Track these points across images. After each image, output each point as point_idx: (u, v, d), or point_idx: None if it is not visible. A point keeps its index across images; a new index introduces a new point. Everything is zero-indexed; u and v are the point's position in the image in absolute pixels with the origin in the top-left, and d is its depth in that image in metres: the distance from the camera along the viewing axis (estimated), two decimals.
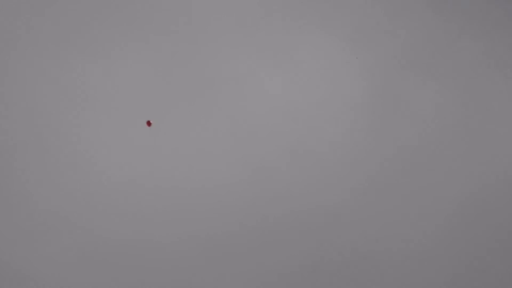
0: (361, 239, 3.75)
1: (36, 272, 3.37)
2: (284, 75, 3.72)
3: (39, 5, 3.47)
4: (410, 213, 3.83)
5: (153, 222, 3.49)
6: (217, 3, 3.66)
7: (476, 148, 3.93)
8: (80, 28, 3.49)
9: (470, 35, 3.98)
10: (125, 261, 3.46)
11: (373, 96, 3.82)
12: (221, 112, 3.61)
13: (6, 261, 3.35)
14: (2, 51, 3.40)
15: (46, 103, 3.45)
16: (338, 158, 3.76)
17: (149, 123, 3.47)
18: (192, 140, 3.57)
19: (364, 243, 3.76)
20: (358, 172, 3.77)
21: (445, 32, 3.95)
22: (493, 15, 4.03)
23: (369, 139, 3.81)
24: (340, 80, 3.79)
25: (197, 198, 3.56)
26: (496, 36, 4.01)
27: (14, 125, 3.40)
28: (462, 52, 3.96)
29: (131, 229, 3.47)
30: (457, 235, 3.88)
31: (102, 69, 3.50)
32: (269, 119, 3.68)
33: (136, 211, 3.48)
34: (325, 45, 3.78)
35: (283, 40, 3.73)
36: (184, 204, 3.55)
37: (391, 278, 3.78)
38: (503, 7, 4.04)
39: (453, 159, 3.90)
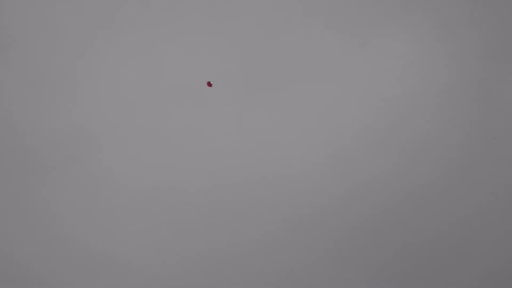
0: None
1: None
2: (373, 68, 3.70)
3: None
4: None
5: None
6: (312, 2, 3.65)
7: None
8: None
9: None
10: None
11: (461, 87, 3.78)
12: (310, 107, 3.61)
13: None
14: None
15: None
16: (426, 150, 3.72)
17: (209, 84, 3.47)
18: (285, 137, 3.57)
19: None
20: (441, 163, 3.73)
21: None
22: None
23: (458, 130, 3.76)
24: (429, 72, 3.76)
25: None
26: None
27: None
28: None
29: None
30: None
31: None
32: (358, 112, 3.67)
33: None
34: (412, 36, 3.75)
35: (370, 34, 3.71)
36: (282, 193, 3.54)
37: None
38: None
39: None
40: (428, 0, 3.81)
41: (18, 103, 3.43)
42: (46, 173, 3.42)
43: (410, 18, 3.77)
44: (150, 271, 3.47)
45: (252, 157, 3.55)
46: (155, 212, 3.46)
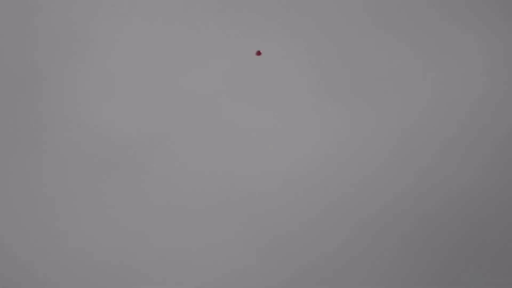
0: None
1: None
2: (444, 71, 3.67)
3: None
4: None
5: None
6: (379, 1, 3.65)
7: None
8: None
9: None
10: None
11: None
12: (381, 110, 3.61)
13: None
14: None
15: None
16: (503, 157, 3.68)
17: (259, 53, 3.47)
18: (355, 142, 3.58)
19: None
20: None
21: None
22: None
23: None
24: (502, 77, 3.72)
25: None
26: None
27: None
28: None
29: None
30: None
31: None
32: (429, 116, 3.64)
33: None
34: (490, 37, 3.71)
35: (440, 36, 3.69)
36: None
37: None
38: None
39: None
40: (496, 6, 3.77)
41: (93, 104, 3.47)
42: (121, 172, 3.46)
43: (488, 16, 3.73)
44: (224, 270, 3.49)
45: (326, 160, 3.55)
46: (225, 214, 3.47)
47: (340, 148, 3.56)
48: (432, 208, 3.58)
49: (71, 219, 3.36)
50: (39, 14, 3.49)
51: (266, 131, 3.50)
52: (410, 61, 3.63)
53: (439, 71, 3.65)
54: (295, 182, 3.51)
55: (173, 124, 3.48)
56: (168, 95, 3.51)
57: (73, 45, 3.44)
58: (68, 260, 3.34)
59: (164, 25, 3.52)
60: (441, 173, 3.59)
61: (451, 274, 3.61)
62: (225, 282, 3.42)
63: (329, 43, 3.60)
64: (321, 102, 3.56)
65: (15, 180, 3.36)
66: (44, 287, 3.36)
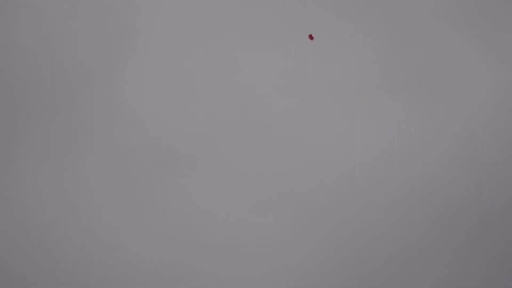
0: None
1: None
2: (505, 70, 3.65)
3: None
4: None
5: None
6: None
7: None
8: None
9: None
10: None
11: None
12: (440, 106, 3.60)
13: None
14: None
15: None
16: None
17: (311, 37, 3.47)
18: (420, 138, 3.57)
19: None
20: None
21: None
22: None
23: None
24: None
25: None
26: None
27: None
28: None
29: None
30: None
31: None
32: (488, 112, 3.63)
33: None
34: None
35: (500, 34, 3.67)
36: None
37: None
38: None
39: None
40: None
41: (150, 100, 3.48)
42: (178, 168, 3.47)
43: None
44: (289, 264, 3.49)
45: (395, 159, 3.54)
46: (287, 206, 3.48)
47: (399, 143, 3.54)
48: (491, 202, 3.56)
49: (131, 215, 3.37)
50: (94, 13, 3.51)
51: (325, 126, 3.49)
52: (470, 58, 3.62)
53: (499, 69, 3.63)
54: (355, 176, 3.49)
55: (229, 119, 3.49)
56: (222, 91, 3.52)
57: (127, 43, 3.47)
58: (131, 255, 3.36)
59: (219, 22, 3.52)
60: (499, 169, 3.57)
61: None
62: (287, 272, 3.42)
63: (389, 40, 3.59)
64: (381, 97, 3.55)
65: (70, 178, 3.39)
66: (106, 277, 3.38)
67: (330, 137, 3.54)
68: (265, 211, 3.47)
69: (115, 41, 3.54)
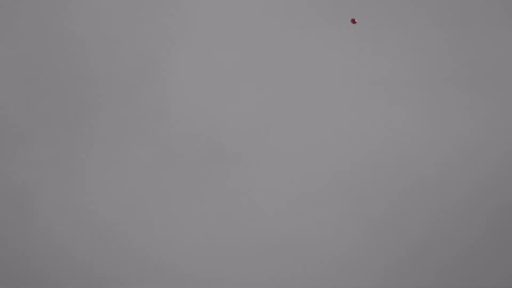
0: None
1: None
2: None
3: None
4: None
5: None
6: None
7: None
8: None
9: None
10: None
11: None
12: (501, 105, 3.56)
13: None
14: None
15: None
16: None
17: (353, 21, 3.45)
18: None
19: None
20: None
21: None
22: None
23: None
24: None
25: None
26: None
27: None
28: None
29: None
30: None
31: None
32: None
33: None
34: None
35: None
36: None
37: None
38: None
39: None
40: None
41: (197, 99, 3.50)
42: (231, 162, 3.48)
43: None
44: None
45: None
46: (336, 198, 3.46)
47: (460, 143, 3.50)
48: None
49: (183, 210, 3.40)
50: (143, 12, 3.54)
51: (380, 121, 3.46)
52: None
53: None
54: (416, 177, 3.46)
55: (278, 114, 3.48)
56: (269, 89, 3.51)
57: (177, 41, 3.48)
58: (181, 252, 3.39)
59: (266, 22, 3.51)
60: None
61: None
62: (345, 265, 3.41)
63: (450, 36, 3.54)
64: (445, 95, 3.51)
65: (121, 172, 3.43)
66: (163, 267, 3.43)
67: (387, 133, 3.51)
68: (315, 205, 3.46)
69: (170, 37, 3.57)
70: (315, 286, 3.43)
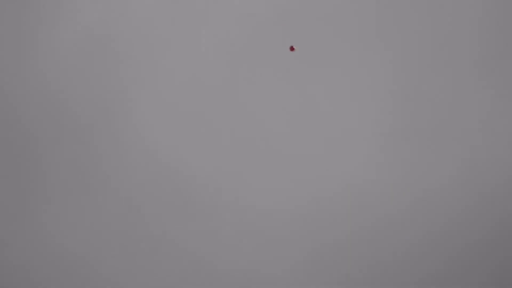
0: None
1: None
2: None
3: None
4: None
5: None
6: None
7: None
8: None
9: None
10: None
11: None
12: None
13: None
14: None
15: None
16: None
17: (292, 48, 3.44)
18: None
19: None
20: None
21: None
22: None
23: None
24: None
25: None
26: None
27: None
28: None
29: None
30: None
31: None
32: None
33: None
34: None
35: None
36: None
37: None
38: None
39: None
40: None
41: (163, 134, 3.43)
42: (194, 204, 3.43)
43: None
44: None
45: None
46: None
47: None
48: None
49: (140, 256, 3.30)
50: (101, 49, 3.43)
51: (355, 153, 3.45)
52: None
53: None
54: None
55: (243, 152, 3.43)
56: (236, 121, 3.44)
57: (137, 78, 3.38)
58: None
59: (231, 53, 3.44)
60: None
61: None
62: None
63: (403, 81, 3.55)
64: (400, 143, 3.53)
65: (83, 218, 3.32)
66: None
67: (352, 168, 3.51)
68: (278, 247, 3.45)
69: (124, 76, 3.48)
70: None
